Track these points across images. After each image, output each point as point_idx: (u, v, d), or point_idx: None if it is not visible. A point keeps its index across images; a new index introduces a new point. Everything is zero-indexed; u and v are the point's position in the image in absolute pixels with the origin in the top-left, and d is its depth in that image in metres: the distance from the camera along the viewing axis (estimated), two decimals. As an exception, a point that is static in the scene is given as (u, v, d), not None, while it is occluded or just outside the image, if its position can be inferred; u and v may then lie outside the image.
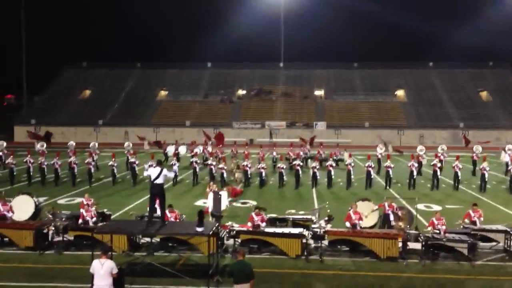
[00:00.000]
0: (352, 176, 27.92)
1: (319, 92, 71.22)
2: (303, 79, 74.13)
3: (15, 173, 28.34)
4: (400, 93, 70.38)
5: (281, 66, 77.03)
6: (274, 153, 36.06)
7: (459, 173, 27.52)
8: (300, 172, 28.15)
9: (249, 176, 28.36)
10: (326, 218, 16.48)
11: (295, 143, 41.60)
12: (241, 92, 72.28)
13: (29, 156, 28.82)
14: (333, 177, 28.21)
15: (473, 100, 67.49)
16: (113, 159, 28.74)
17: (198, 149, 37.59)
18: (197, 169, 29.08)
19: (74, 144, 38.10)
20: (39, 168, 28.14)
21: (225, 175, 27.76)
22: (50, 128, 63.53)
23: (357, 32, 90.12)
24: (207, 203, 18.39)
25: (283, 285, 12.99)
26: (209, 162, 29.61)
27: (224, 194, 20.86)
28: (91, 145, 37.16)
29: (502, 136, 57.25)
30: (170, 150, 38.90)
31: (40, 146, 36.70)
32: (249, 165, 28.29)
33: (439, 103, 67.04)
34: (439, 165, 28.21)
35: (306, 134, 60.07)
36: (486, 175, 26.86)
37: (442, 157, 31.73)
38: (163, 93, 72.79)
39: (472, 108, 65.30)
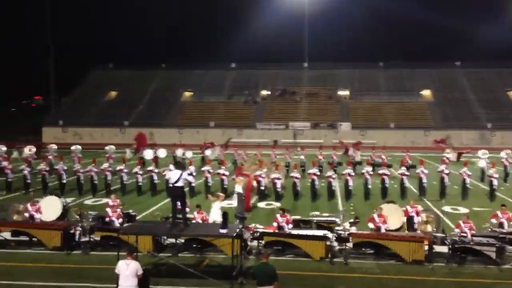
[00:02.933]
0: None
1: (343, 93, 70.79)
2: (327, 79, 73.74)
3: (45, 180, 26.49)
4: (426, 93, 69.45)
5: (305, 66, 76.75)
6: (302, 157, 33.22)
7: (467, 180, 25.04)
8: (317, 182, 24.45)
9: (263, 188, 24.81)
10: (352, 220, 16.36)
11: (335, 144, 39.66)
12: (265, 92, 72.28)
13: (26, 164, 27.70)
14: (350, 187, 24.63)
15: (500, 100, 66.19)
16: (138, 166, 26.44)
17: (210, 153, 36.54)
18: (209, 179, 25.28)
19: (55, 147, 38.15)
20: (76, 177, 26.08)
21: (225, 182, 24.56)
22: (77, 129, 64.74)
23: (382, 32, 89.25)
24: (210, 215, 17.66)
25: (307, 287, 12.93)
26: (205, 168, 25.83)
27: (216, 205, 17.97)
28: (73, 148, 36.51)
29: (530, 137, 56.07)
30: (148, 154, 36.08)
31: (28, 151, 35.59)
32: (263, 175, 24.75)
33: (466, 103, 65.92)
34: None
35: (330, 135, 59.90)
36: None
37: (507, 163, 29.88)
38: (187, 94, 73.27)
39: (500, 108, 64.05)
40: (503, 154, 31.50)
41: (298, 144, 49.45)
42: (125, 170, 25.80)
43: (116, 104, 70.93)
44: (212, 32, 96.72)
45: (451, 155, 33.34)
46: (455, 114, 63.52)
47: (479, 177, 29.67)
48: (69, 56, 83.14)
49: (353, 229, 15.77)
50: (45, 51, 74.65)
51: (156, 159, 31.86)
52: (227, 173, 25.23)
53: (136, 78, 75.01)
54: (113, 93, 74.24)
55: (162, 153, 37.14)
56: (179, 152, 37.50)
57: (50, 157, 33.53)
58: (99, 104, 70.78)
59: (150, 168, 26.36)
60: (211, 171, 25.68)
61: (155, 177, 25.74)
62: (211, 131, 61.67)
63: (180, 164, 14.57)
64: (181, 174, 13.69)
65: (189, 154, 37.45)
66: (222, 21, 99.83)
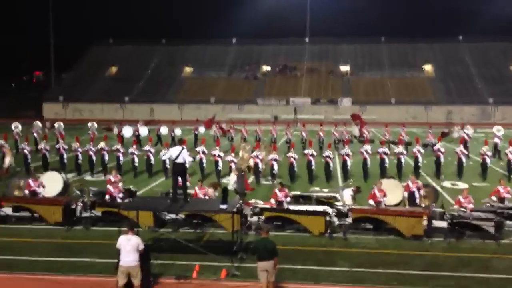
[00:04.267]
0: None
1: (345, 68, 70.34)
2: (329, 54, 73.23)
3: (46, 159, 25.56)
4: (428, 68, 69.00)
5: (306, 41, 76.12)
6: (304, 134, 32.40)
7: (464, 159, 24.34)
8: (313, 163, 23.27)
9: (260, 171, 23.34)
10: (354, 188, 16.43)
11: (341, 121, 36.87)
12: (266, 68, 71.84)
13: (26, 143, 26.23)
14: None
15: (503, 75, 65.72)
16: (134, 146, 25.26)
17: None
18: (204, 161, 23.86)
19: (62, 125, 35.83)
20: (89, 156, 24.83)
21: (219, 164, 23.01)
22: (77, 105, 64.60)
23: (384, 6, 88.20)
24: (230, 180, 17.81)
25: (307, 262, 13.04)
26: (199, 148, 24.45)
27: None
28: (56, 125, 34.41)
29: (532, 112, 55.87)
30: (127, 131, 34.41)
31: (14, 128, 32.70)
32: (260, 157, 23.31)
33: (468, 78, 65.49)
34: None
35: (331, 110, 59.75)
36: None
37: None
38: (188, 69, 72.88)
39: (502, 83, 63.60)
40: None
41: (298, 120, 49.38)
42: (122, 150, 24.88)
43: (117, 80, 70.66)
44: (212, 7, 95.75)
45: (456, 133, 32.69)
46: (457, 89, 63.21)
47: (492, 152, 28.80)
48: (69, 32, 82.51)
49: (351, 201, 15.84)
50: (45, 26, 74.15)
51: (156, 138, 31.25)
52: (221, 154, 23.58)
53: (136, 54, 74.58)
54: (114, 69, 73.91)
55: (143, 131, 35.05)
56: (163, 129, 35.52)
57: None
58: (100, 80, 70.50)
59: (146, 148, 25.09)
60: (206, 151, 24.08)
61: (152, 158, 24.50)
62: (211, 107, 61.52)
63: (181, 141, 14.57)
64: (181, 150, 13.69)
65: (178, 131, 35.34)
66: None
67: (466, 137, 30.16)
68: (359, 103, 60.75)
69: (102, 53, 76.16)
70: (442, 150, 24.41)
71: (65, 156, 25.76)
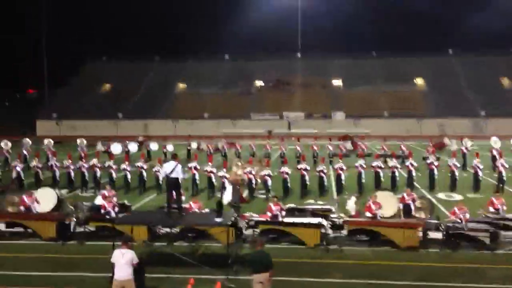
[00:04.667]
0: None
1: (337, 82, 70.73)
2: (321, 69, 73.65)
3: (39, 176, 25.60)
4: (419, 81, 69.54)
5: (299, 56, 76.70)
6: (298, 148, 32.38)
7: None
8: (307, 178, 23.08)
9: (254, 186, 22.88)
10: (357, 194, 16.55)
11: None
12: (259, 83, 72.13)
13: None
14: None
15: (494, 88, 66.30)
16: (127, 163, 24.77)
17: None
18: (197, 177, 23.44)
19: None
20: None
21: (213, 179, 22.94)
22: (71, 122, 64.50)
23: (376, 21, 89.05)
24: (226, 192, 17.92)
25: (302, 274, 12.99)
26: (192, 164, 24.11)
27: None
28: (46, 142, 34.28)
29: (524, 124, 56.21)
30: (116, 148, 33.98)
31: (4, 145, 32.72)
32: (253, 172, 22.86)
33: (459, 91, 66.03)
34: None
35: (324, 124, 59.94)
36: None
37: None
38: (181, 85, 73.05)
39: (494, 96, 64.13)
40: None
41: (292, 134, 49.51)
42: (114, 166, 24.55)
43: (111, 96, 70.72)
44: (205, 24, 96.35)
45: (454, 146, 32.51)
46: (448, 102, 63.64)
47: (490, 165, 28.82)
48: (62, 49, 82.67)
49: (354, 207, 16.01)
50: (38, 43, 74.33)
51: (147, 154, 31.13)
52: (214, 170, 23.30)
53: (130, 71, 74.81)
54: (107, 86, 73.97)
55: (133, 147, 35.15)
56: (153, 146, 35.78)
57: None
58: (94, 97, 70.50)
59: (138, 164, 24.59)
60: (198, 167, 23.75)
61: (144, 173, 24.25)
62: (205, 122, 61.61)
63: (174, 156, 14.59)
64: (176, 165, 13.71)
65: (170, 147, 34.82)
66: (214, 12, 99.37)
67: (464, 150, 30.25)
68: (352, 117, 61.05)
69: (96, 71, 76.31)
70: (436, 163, 24.44)
71: (57, 173, 25.55)
